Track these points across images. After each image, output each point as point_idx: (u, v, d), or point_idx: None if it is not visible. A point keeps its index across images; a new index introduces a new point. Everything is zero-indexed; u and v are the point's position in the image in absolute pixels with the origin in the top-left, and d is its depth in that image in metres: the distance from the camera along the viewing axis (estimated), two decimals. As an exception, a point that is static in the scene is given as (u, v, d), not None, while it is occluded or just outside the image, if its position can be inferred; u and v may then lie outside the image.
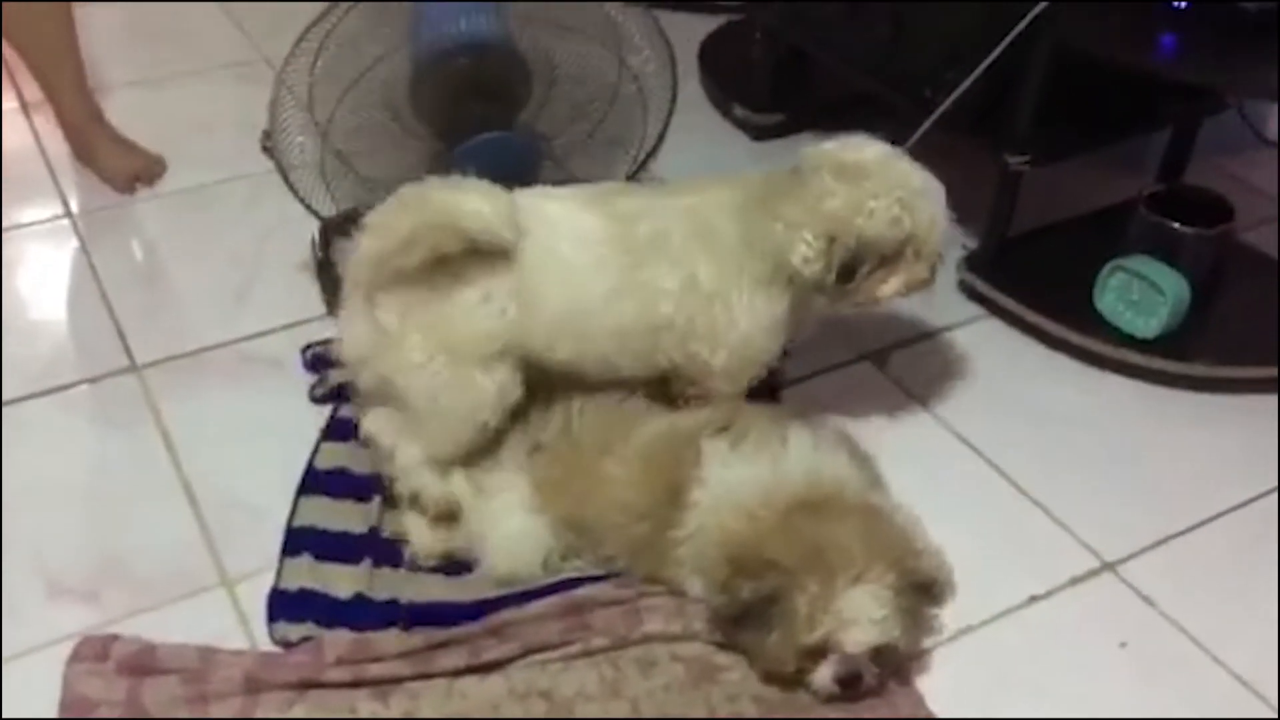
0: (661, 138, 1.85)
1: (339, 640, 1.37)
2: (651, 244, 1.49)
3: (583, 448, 1.48)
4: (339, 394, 1.71)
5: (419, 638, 1.37)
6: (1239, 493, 1.64)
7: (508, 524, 1.46)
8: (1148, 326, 1.79)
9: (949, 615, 1.42)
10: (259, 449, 1.65)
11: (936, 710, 1.33)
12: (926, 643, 1.39)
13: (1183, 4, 1.69)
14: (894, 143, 1.53)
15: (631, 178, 1.92)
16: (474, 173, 1.56)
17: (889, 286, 1.50)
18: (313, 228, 1.97)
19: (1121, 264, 1.80)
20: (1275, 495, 1.63)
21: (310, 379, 1.76)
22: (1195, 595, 1.49)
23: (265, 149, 1.75)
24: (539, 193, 1.55)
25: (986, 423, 1.72)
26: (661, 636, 1.37)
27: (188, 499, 1.57)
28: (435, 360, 1.45)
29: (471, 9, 1.73)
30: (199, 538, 1.53)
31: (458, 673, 1.34)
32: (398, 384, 1.49)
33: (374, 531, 1.51)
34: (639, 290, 1.49)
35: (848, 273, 1.46)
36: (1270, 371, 1.79)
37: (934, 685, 1.36)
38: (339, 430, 1.66)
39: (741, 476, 1.36)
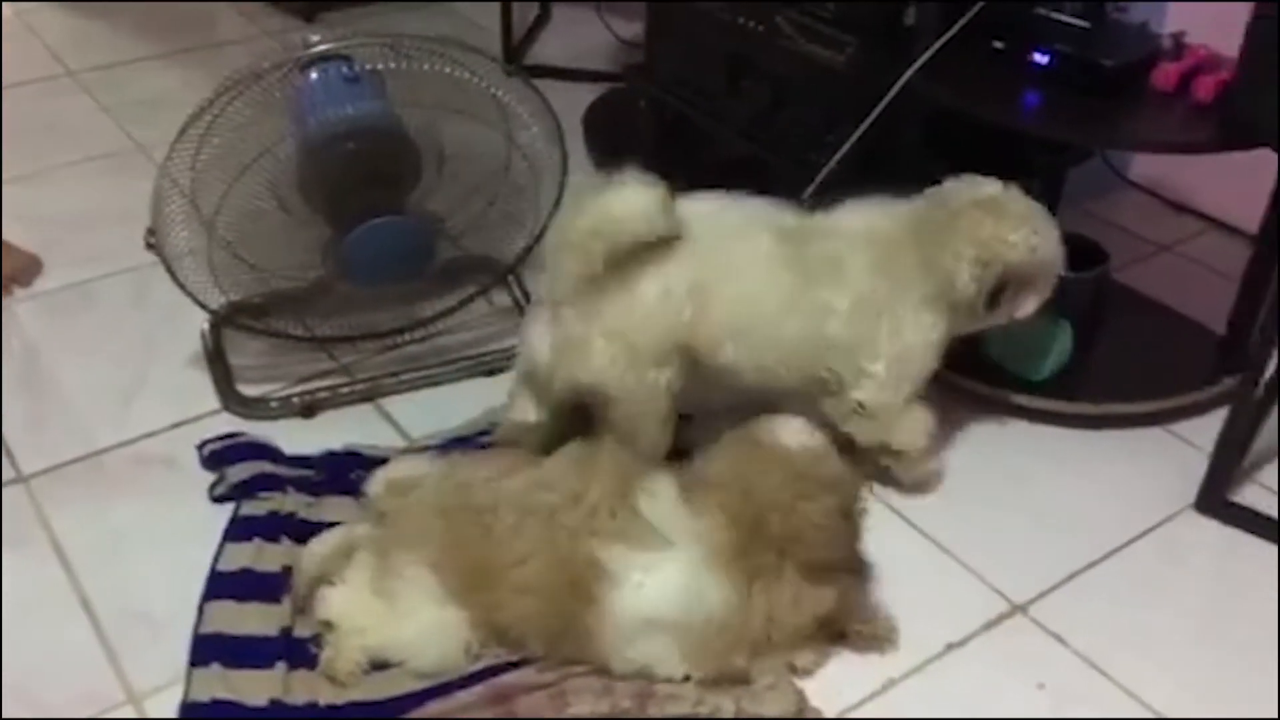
0: (556, 208, 1.86)
1: (258, 749, 1.32)
2: (824, 265, 1.60)
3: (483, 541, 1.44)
4: (240, 491, 1.67)
5: (342, 741, 1.33)
6: (1137, 524, 1.69)
7: (421, 618, 1.42)
8: (1037, 370, 1.85)
9: (871, 670, 1.45)
10: (158, 555, 1.59)
11: (868, 768, 1.34)
12: (850, 701, 1.42)
13: (1044, 60, 1.77)
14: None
15: (528, 251, 1.93)
16: (365, 259, 1.58)
17: (1028, 305, 1.68)
18: (200, 320, 1.94)
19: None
20: (1169, 525, 1.70)
21: (208, 477, 1.71)
22: (1104, 630, 1.53)
23: (149, 244, 1.71)
24: (701, 198, 1.65)
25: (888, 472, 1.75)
26: (590, 716, 1.36)
27: (86, 614, 1.51)
28: (618, 362, 1.55)
29: (355, 93, 1.73)
30: (101, 654, 1.46)
31: (384, 773, 1.31)
32: (589, 389, 1.58)
33: (286, 633, 1.47)
34: (810, 309, 1.59)
35: (996, 295, 1.63)
36: (1154, 405, 1.86)
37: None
38: (241, 529, 1.61)
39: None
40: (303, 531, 1.60)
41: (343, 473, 1.71)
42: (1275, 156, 1.70)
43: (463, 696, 1.38)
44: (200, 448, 1.75)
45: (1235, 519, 1.69)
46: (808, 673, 1.43)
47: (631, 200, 1.54)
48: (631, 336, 1.55)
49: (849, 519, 1.45)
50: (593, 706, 1.37)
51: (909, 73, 1.72)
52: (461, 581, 1.42)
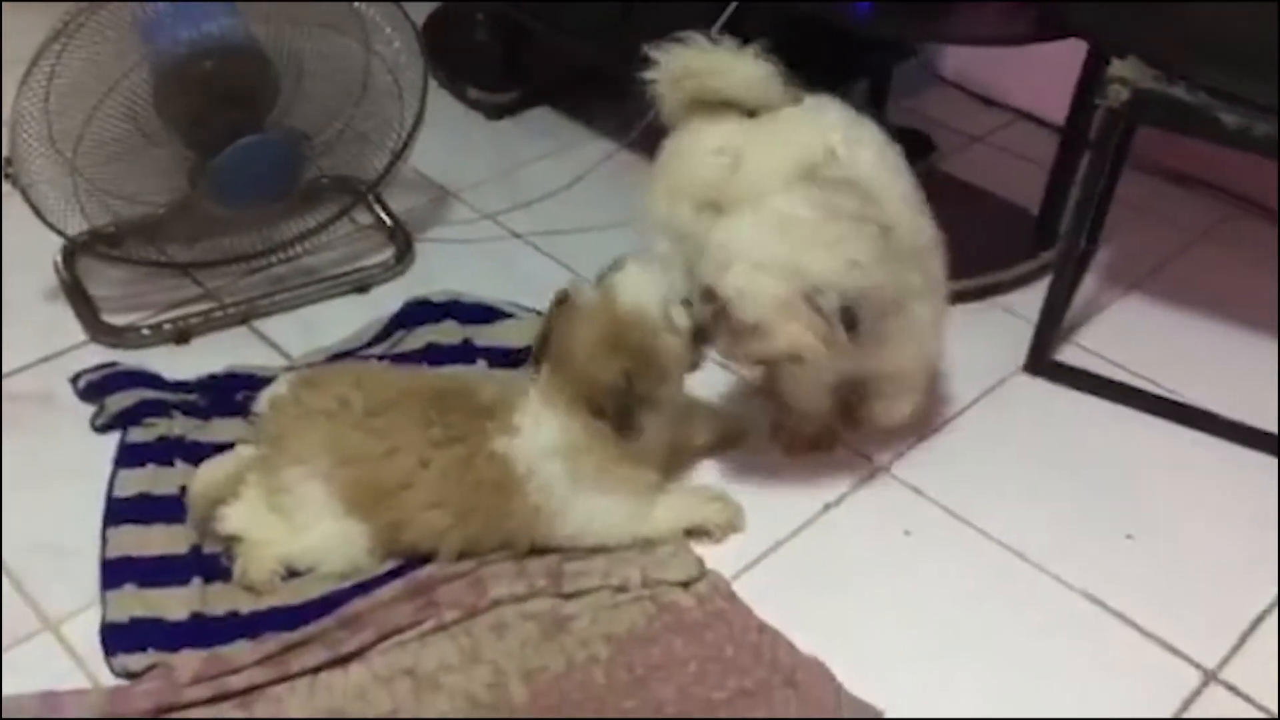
0: (417, 124, 1.89)
1: (189, 660, 1.35)
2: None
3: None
4: (123, 419, 1.66)
5: (273, 643, 1.37)
6: (976, 387, 1.86)
7: (320, 530, 1.46)
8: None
9: (760, 533, 1.58)
10: (49, 489, 1.58)
11: (768, 615, 1.47)
12: (745, 562, 1.55)
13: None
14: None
15: (390, 167, 1.95)
16: (232, 180, 1.60)
17: None
18: (49, 253, 1.90)
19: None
20: (1004, 386, 1.88)
21: (87, 410, 1.70)
22: (957, 481, 1.69)
23: (7, 174, 1.66)
24: None
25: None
26: (509, 598, 1.44)
27: (-16, 551, 1.50)
28: (671, 205, 1.69)
29: (208, 11, 1.70)
30: (7, 586, 1.46)
31: (318, 669, 1.36)
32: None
33: (195, 550, 1.49)
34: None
35: None
36: (983, 281, 2.04)
37: (760, 594, 1.50)
38: (132, 455, 1.62)
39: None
40: (195, 454, 1.61)
41: (228, 394, 1.72)
42: (1077, 54, 1.87)
43: (383, 593, 1.44)
44: (74, 380, 1.73)
45: (1060, 377, 1.88)
46: (706, 536, 1.55)
47: (749, 68, 1.65)
48: (679, 178, 1.69)
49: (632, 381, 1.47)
50: (510, 588, 1.45)
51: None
52: (358, 497, 1.45)
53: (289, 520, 1.47)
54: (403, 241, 2.03)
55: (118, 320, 1.85)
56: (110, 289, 1.91)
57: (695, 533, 1.55)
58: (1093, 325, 2.00)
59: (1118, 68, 1.62)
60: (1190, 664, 1.46)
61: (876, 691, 1.40)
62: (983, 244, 2.10)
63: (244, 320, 1.88)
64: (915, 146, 2.05)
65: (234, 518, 1.48)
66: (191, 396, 1.71)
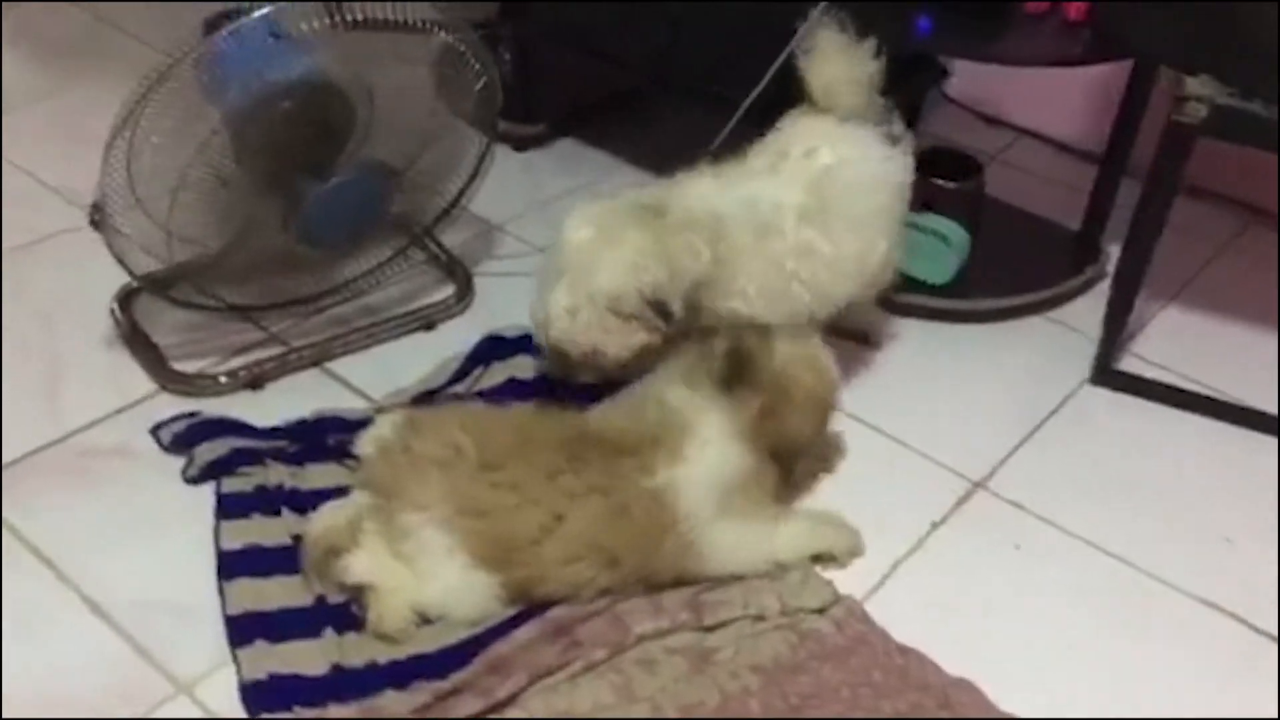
0: (485, 164, 1.86)
1: (341, 714, 1.31)
2: None
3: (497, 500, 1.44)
4: (215, 470, 1.60)
5: (424, 692, 1.34)
6: (1049, 400, 1.90)
7: (446, 578, 1.42)
8: (936, 272, 2.03)
9: (877, 556, 1.59)
10: (148, 544, 1.52)
11: (901, 636, 1.47)
12: (869, 585, 1.55)
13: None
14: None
15: (454, 204, 1.93)
16: (327, 220, 1.61)
17: None
18: (101, 301, 1.84)
19: (906, 220, 2.02)
20: (1075, 398, 1.92)
21: (170, 461, 1.64)
22: (1052, 492, 1.72)
23: (93, 222, 1.60)
24: None
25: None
26: (654, 633, 1.42)
27: (97, 615, 1.43)
28: None
29: (279, 51, 1.66)
30: (128, 650, 1.40)
31: (476, 718, 1.33)
32: None
33: (321, 600, 1.45)
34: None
35: None
36: (1035, 296, 2.08)
37: (889, 615, 1.50)
38: (233, 507, 1.56)
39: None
40: (298, 502, 1.57)
41: (319, 439, 1.67)
42: (1080, 73, 1.92)
43: (523, 635, 1.41)
44: (156, 431, 1.67)
45: (1127, 386, 1.93)
46: (832, 562, 1.56)
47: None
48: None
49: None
50: (653, 624, 1.43)
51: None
52: (485, 551, 1.42)
53: (413, 567, 1.43)
54: (462, 278, 2.00)
55: (185, 367, 1.79)
56: (168, 335, 1.84)
57: (821, 558, 1.56)
58: (1145, 336, 2.06)
59: (1193, 85, 1.68)
60: (1313, 662, 1.51)
61: (1015, 707, 1.41)
62: (1028, 261, 2.16)
63: (316, 363, 1.83)
64: (963, 168, 2.09)
65: (358, 567, 1.43)
66: (282, 443, 1.66)
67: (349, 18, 1.60)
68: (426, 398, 1.76)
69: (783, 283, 1.63)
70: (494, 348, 1.84)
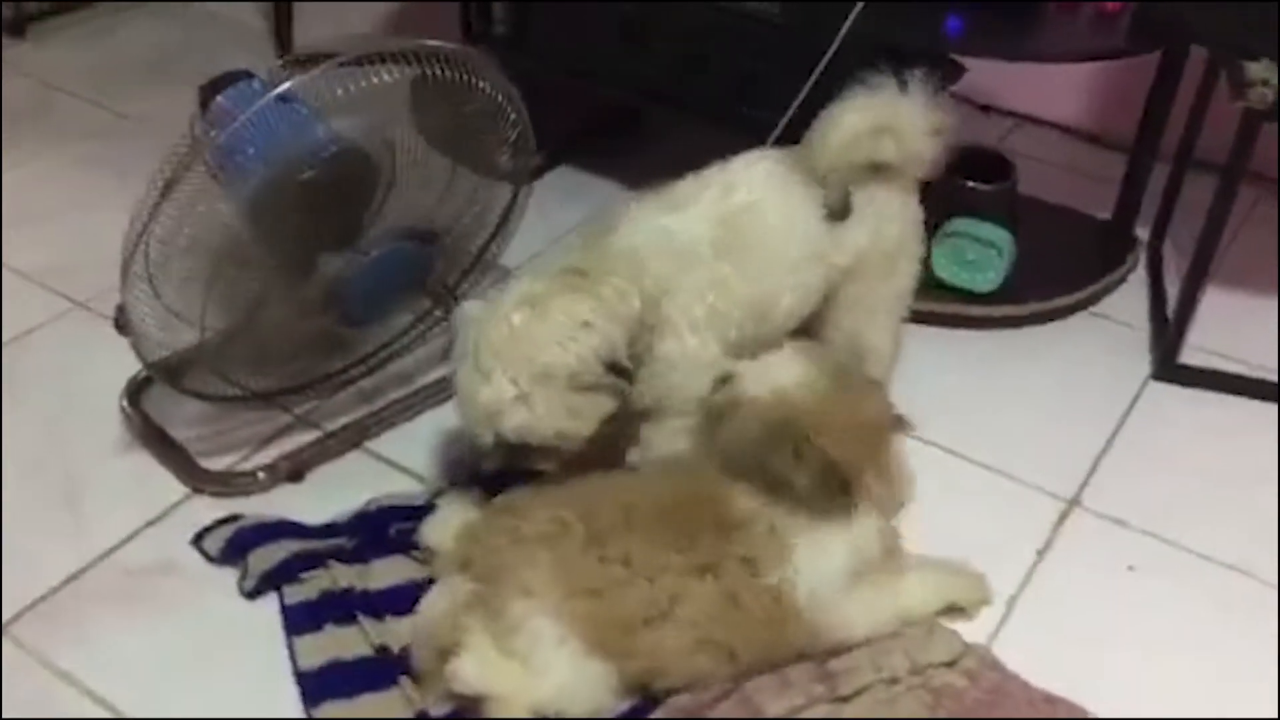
0: (516, 206, 1.74)
1: None
2: None
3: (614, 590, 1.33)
4: (273, 579, 1.47)
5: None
6: (1118, 402, 1.84)
7: (559, 674, 1.30)
8: (987, 280, 1.95)
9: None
10: (217, 673, 1.38)
11: (1035, 678, 1.39)
12: (989, 628, 1.47)
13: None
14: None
15: (478, 261, 1.80)
16: (369, 295, 1.45)
17: None
18: (103, 400, 1.70)
19: (949, 230, 1.95)
20: (1144, 398, 1.86)
21: (220, 574, 1.49)
22: (1149, 503, 1.65)
23: (118, 325, 1.45)
24: None
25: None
26: (788, 712, 1.33)
27: (173, 763, 1.30)
28: None
29: (293, 118, 1.52)
30: (222, 795, 1.26)
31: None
32: None
33: (424, 716, 1.32)
34: None
35: None
36: (1082, 294, 2.02)
37: (1019, 658, 1.42)
38: (302, 619, 1.43)
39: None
40: (373, 605, 1.44)
41: (380, 532, 1.54)
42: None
43: (652, 727, 1.31)
44: (198, 542, 1.53)
45: (1191, 379, 1.87)
46: (960, 614, 1.47)
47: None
48: None
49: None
50: (788, 702, 1.33)
51: (856, 8, 1.74)
52: (599, 636, 1.31)
53: (526, 665, 1.31)
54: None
55: (213, 465, 1.65)
56: (187, 430, 1.70)
57: (950, 610, 1.47)
58: (1195, 322, 2.00)
59: (1257, 70, 1.62)
60: None
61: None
62: (1065, 256, 2.09)
63: (355, 445, 1.69)
64: (993, 166, 2.02)
65: (468, 672, 1.30)
66: (340, 540, 1.53)
67: (370, 80, 1.46)
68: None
69: (707, 313, 1.49)
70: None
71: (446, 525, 1.48)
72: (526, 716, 1.29)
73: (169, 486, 1.62)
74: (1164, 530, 1.61)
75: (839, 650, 1.39)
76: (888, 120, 1.54)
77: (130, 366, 1.70)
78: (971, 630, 1.45)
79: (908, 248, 1.65)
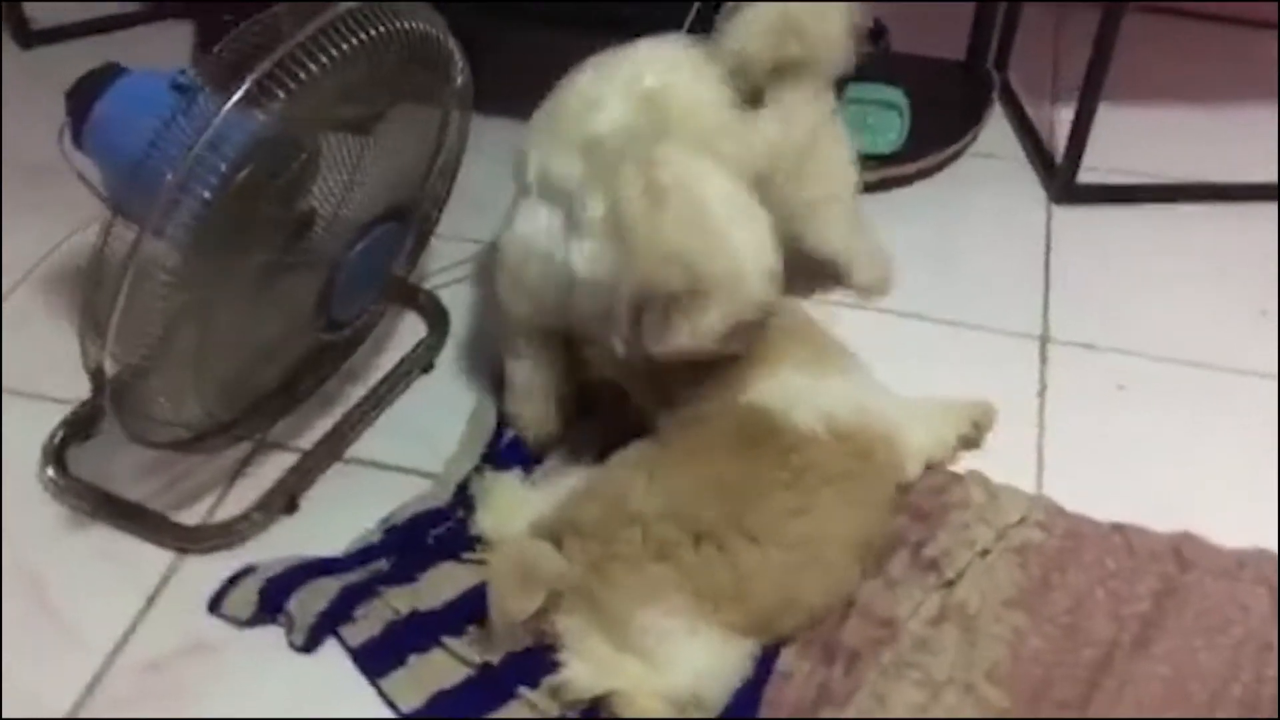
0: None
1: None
2: None
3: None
4: (326, 625, 1.32)
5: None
6: (1034, 231, 1.92)
7: (694, 664, 1.24)
8: (889, 142, 1.97)
9: (1020, 447, 1.56)
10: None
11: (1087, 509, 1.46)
12: (1032, 476, 1.52)
13: None
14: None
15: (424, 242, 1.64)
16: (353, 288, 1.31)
17: None
18: (28, 476, 1.46)
19: (845, 97, 1.93)
20: (1056, 220, 1.95)
21: (251, 640, 1.33)
22: (1110, 320, 1.75)
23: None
24: None
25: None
26: (911, 613, 1.32)
27: None
28: None
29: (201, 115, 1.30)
30: None
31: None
32: None
33: (562, 724, 1.24)
34: None
35: None
36: (963, 140, 2.07)
37: (1067, 500, 1.47)
38: (380, 659, 1.29)
39: None
40: (447, 623, 1.32)
41: (419, 541, 1.41)
42: None
43: (796, 680, 1.27)
44: (217, 608, 1.35)
45: (1091, 197, 1.97)
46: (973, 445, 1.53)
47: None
48: None
49: None
50: (909, 600, 1.33)
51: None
52: (730, 622, 1.26)
53: (650, 658, 1.24)
54: (427, 301, 1.73)
55: (189, 517, 1.45)
56: (133, 486, 1.48)
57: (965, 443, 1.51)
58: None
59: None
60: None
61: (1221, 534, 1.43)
62: (941, 103, 2.12)
63: (336, 457, 1.53)
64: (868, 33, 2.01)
65: (583, 682, 1.23)
66: (377, 564, 1.39)
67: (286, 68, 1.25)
68: (510, 453, 1.52)
69: None
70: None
71: (509, 513, 1.38)
72: (659, 712, 1.23)
73: (149, 556, 1.41)
74: (1131, 345, 1.71)
75: (924, 535, 1.40)
76: (807, 18, 1.49)
77: (39, 430, 1.48)
78: (1021, 480, 1.50)
79: (824, 144, 1.61)
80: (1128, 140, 2.09)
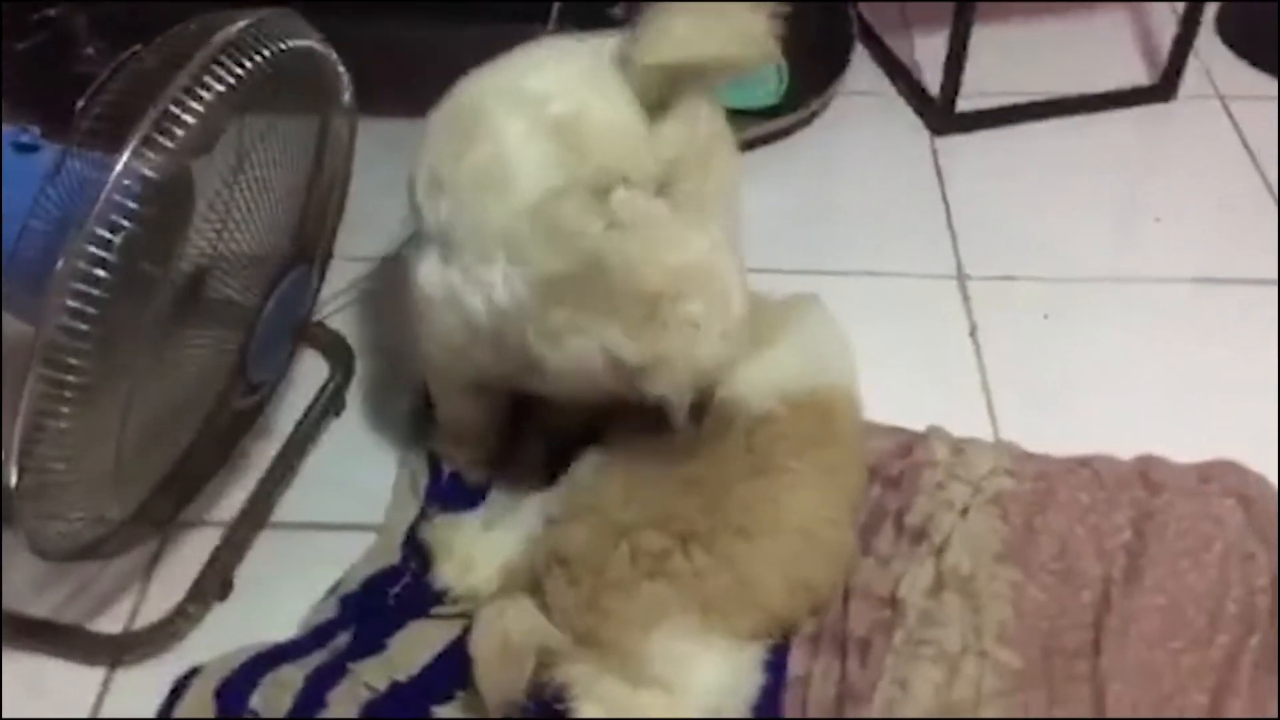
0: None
1: None
2: None
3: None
4: (301, 712, 1.19)
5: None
6: (923, 166, 1.91)
7: (713, 678, 1.17)
8: (767, 94, 1.90)
9: (965, 388, 1.53)
10: None
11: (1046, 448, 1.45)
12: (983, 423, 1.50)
13: None
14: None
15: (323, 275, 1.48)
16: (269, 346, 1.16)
17: None
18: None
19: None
20: (941, 153, 1.93)
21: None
22: (1019, 247, 1.74)
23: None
24: None
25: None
26: (908, 586, 1.29)
27: None
28: None
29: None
30: None
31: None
32: None
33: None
34: None
35: None
36: (835, 84, 2.01)
37: (1025, 440, 1.47)
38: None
39: None
40: (428, 689, 1.22)
41: (377, 605, 1.29)
42: None
43: (816, 683, 1.22)
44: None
45: (969, 125, 1.96)
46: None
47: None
48: None
49: None
50: (910, 576, 1.29)
51: None
52: (736, 627, 1.20)
53: (668, 688, 1.16)
54: (330, 341, 1.58)
55: (109, 625, 1.29)
56: (34, 600, 1.31)
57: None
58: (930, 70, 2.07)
59: None
60: None
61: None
62: (800, 52, 2.05)
63: (261, 525, 1.39)
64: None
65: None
66: (337, 638, 1.26)
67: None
68: (446, 493, 1.41)
69: None
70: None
71: (472, 562, 1.27)
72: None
73: (75, 677, 1.25)
74: (1045, 271, 1.71)
75: (904, 503, 1.37)
76: (724, 25, 1.40)
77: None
78: (972, 426, 1.48)
79: (720, 142, 1.54)
80: (991, 62, 2.07)
